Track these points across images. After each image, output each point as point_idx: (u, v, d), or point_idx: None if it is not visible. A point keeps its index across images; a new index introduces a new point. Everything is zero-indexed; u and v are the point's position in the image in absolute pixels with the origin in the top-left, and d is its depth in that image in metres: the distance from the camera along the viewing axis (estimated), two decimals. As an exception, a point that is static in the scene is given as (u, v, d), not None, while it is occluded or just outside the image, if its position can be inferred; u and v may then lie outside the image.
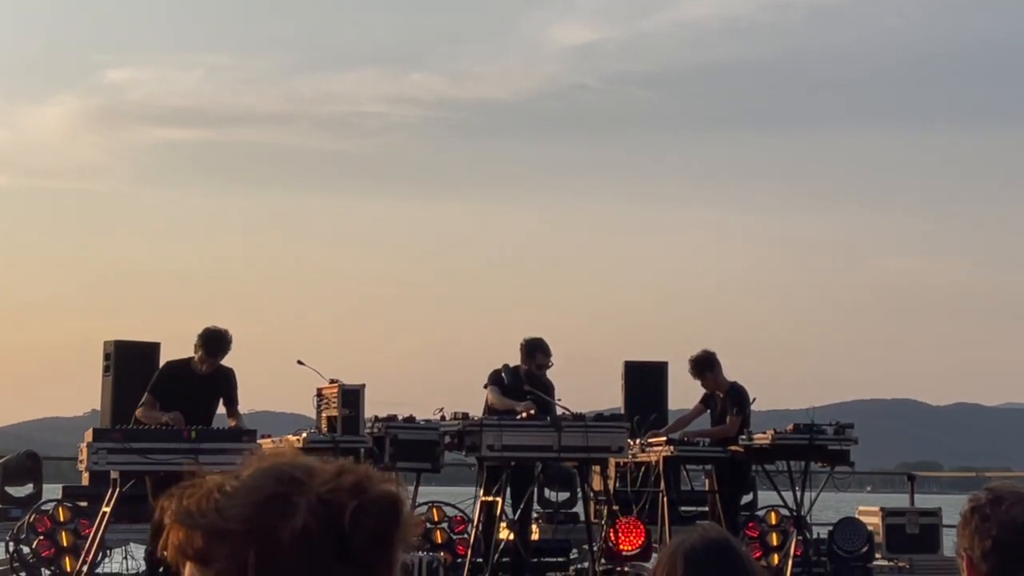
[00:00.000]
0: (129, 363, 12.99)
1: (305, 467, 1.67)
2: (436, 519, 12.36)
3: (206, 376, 10.04)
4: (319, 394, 10.41)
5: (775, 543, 12.61)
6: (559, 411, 10.97)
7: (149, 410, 9.90)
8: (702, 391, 12.08)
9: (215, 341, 10.09)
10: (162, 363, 11.89)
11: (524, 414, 10.77)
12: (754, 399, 12.07)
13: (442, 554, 11.16)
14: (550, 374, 11.53)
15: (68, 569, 11.28)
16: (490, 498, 10.89)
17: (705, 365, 11.92)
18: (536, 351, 11.36)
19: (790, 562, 11.81)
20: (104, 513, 9.89)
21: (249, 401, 10.64)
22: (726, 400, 11.85)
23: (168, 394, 9.96)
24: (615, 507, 11.42)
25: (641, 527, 10.99)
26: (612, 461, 11.68)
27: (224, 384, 10.17)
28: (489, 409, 11.18)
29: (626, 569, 10.81)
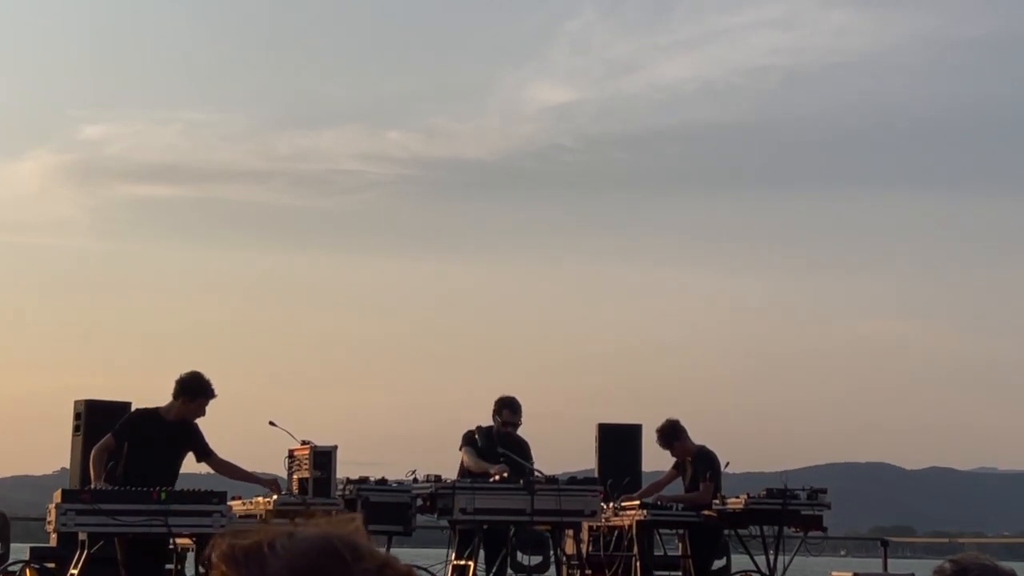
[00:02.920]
0: (99, 422, 12.86)
1: (354, 548, 1.70)
2: (408, 582, 12.27)
3: (174, 426, 9.94)
4: (291, 455, 10.36)
5: (748, 608, 12.54)
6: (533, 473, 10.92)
7: (101, 454, 9.81)
8: (676, 455, 12.06)
9: (197, 384, 9.98)
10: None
11: (497, 477, 10.74)
12: (727, 464, 12.08)
13: (413, 618, 11.06)
14: (523, 432, 11.50)
15: (34, 631, 11.13)
16: (462, 562, 10.83)
17: (671, 435, 11.92)
18: (503, 408, 11.33)
19: (763, 628, 11.75)
20: (72, 575, 9.79)
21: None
22: (696, 466, 11.83)
23: (136, 442, 9.85)
24: (588, 571, 11.36)
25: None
26: (585, 525, 11.64)
27: (190, 437, 10.05)
28: (464, 471, 11.14)
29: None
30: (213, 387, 10.02)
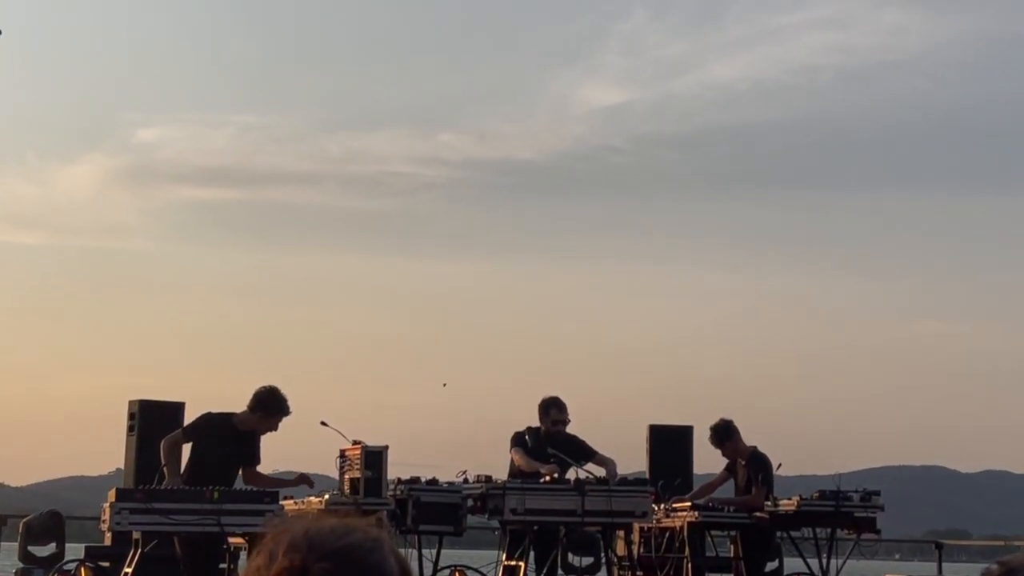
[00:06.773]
0: (153, 422, 12.99)
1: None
2: (459, 583, 12.26)
3: (243, 436, 10.02)
4: (342, 455, 10.40)
5: (801, 611, 12.46)
6: (583, 475, 10.90)
7: (173, 448, 9.87)
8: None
9: (275, 401, 10.03)
10: (186, 422, 11.88)
11: (548, 477, 10.72)
12: (779, 465, 11.99)
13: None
14: (574, 431, 11.46)
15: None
16: (513, 562, 10.82)
17: (724, 434, 11.86)
18: (551, 408, 11.33)
19: (816, 631, 11.66)
20: (126, 574, 9.87)
21: (272, 462, 10.60)
22: (748, 469, 11.76)
23: (204, 444, 9.93)
24: (639, 573, 11.33)
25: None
26: (636, 526, 11.60)
27: (251, 445, 10.15)
28: (514, 472, 11.13)
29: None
30: (289, 404, 10.09)
